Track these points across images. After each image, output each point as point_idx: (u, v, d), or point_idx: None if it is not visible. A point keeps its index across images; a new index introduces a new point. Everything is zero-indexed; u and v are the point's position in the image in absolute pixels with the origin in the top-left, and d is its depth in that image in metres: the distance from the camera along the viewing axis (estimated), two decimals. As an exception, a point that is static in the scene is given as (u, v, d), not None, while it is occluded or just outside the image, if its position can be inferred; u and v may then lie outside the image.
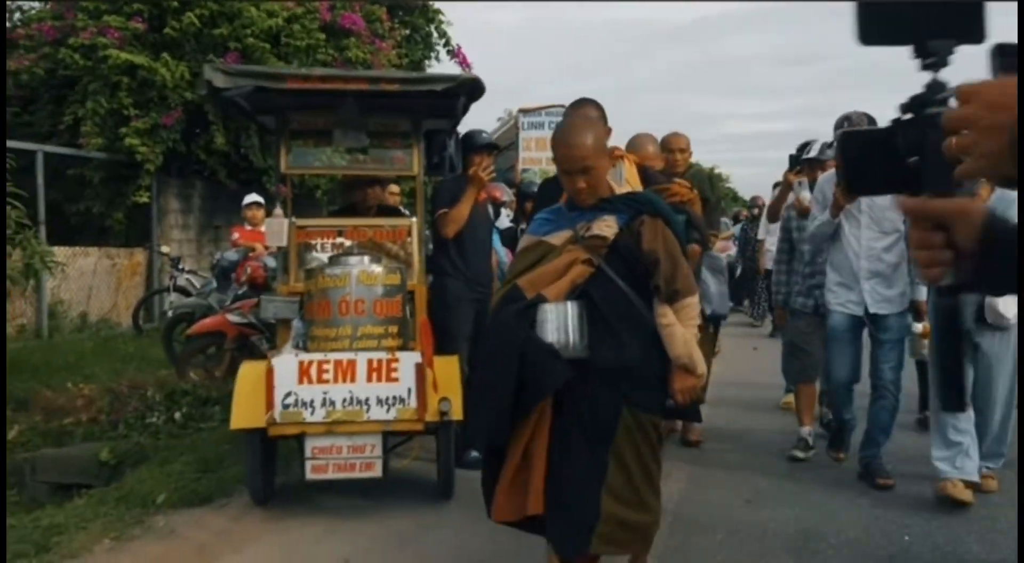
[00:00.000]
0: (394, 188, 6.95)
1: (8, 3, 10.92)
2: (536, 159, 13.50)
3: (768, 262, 8.23)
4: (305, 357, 4.36)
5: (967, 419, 4.43)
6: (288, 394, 4.28)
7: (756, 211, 13.91)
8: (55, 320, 9.55)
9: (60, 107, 10.59)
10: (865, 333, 5.02)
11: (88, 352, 8.46)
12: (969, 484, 4.41)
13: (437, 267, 5.42)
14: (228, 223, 11.29)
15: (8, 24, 10.98)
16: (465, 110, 5.13)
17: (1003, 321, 4.35)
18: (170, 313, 8.99)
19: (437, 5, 13.49)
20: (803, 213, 5.49)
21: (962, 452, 4.40)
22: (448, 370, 4.50)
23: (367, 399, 4.32)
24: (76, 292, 10.09)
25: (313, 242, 5.24)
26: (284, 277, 5.08)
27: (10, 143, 8.41)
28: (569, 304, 2.85)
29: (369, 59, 11.49)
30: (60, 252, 8.95)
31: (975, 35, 1.17)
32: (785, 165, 6.23)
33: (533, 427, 2.85)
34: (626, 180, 3.97)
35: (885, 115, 1.24)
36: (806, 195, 5.57)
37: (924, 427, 5.74)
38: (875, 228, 4.81)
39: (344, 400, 4.30)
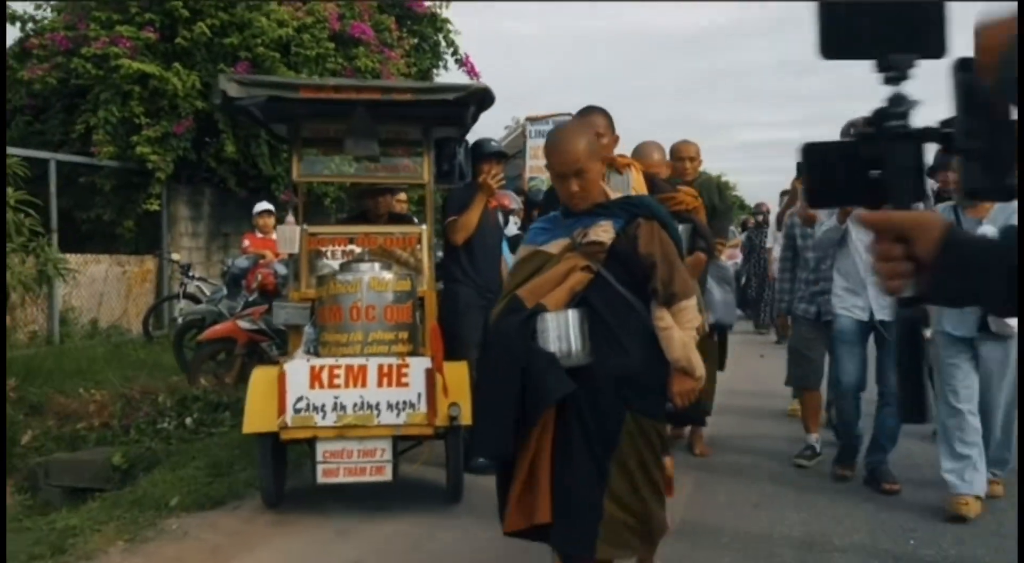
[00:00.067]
0: (401, 196, 7.02)
1: (22, 13, 11.03)
2: (543, 167, 13.51)
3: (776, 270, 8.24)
4: (317, 362, 4.42)
5: (974, 431, 4.43)
6: (300, 398, 4.34)
7: (761, 218, 13.94)
8: (67, 327, 9.64)
9: (72, 116, 10.69)
10: (871, 340, 5.05)
11: (99, 358, 8.53)
12: (979, 497, 4.42)
13: (448, 274, 5.48)
14: (237, 231, 11.39)
15: (21, 34, 11.12)
16: (475, 119, 5.19)
17: (1006, 330, 4.37)
18: (180, 320, 9.07)
19: (445, 14, 13.61)
20: (809, 221, 5.49)
21: (971, 465, 4.39)
22: (458, 375, 4.54)
23: (378, 404, 4.38)
24: (87, 299, 10.18)
25: (324, 249, 5.29)
26: (296, 283, 5.14)
27: (23, 151, 8.51)
28: (569, 312, 2.85)
29: (378, 68, 11.59)
30: (71, 259, 9.03)
31: (936, 50, 1.19)
32: (793, 173, 6.26)
33: (538, 437, 2.86)
34: (633, 188, 4.01)
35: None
36: None
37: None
38: None
39: (355, 405, 4.36)
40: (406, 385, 4.40)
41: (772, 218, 11.13)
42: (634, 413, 2.87)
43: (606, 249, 2.91)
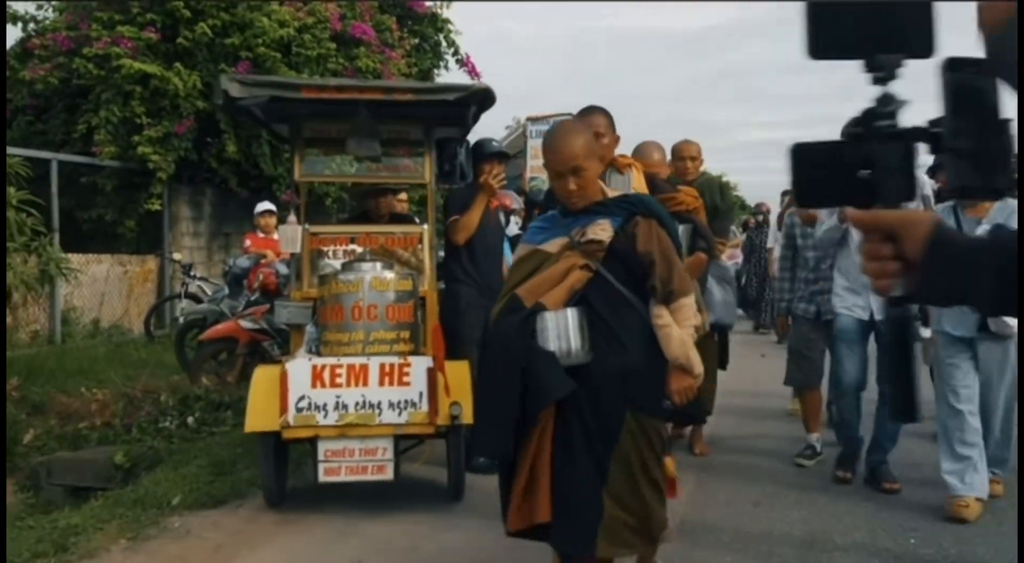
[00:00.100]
0: (402, 196, 7.04)
1: (24, 13, 11.05)
2: (544, 167, 13.52)
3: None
4: (318, 361, 4.44)
5: (975, 432, 4.42)
6: (302, 398, 4.36)
7: (761, 218, 13.94)
8: (68, 326, 9.66)
9: (74, 116, 10.72)
10: (872, 340, 5.06)
11: (101, 358, 8.55)
12: (979, 499, 4.42)
13: (449, 274, 5.50)
14: (239, 231, 11.41)
15: (23, 34, 11.14)
16: (476, 119, 5.20)
17: (1006, 330, 4.37)
18: (182, 319, 9.08)
19: (446, 15, 13.63)
20: (809, 220, 5.49)
21: (971, 466, 4.39)
22: (459, 374, 4.56)
23: (379, 403, 4.39)
24: (89, 299, 10.19)
25: (326, 249, 5.31)
26: (297, 283, 5.16)
27: (25, 151, 8.54)
28: (569, 311, 2.85)
29: (379, 68, 11.61)
30: (73, 259, 9.05)
31: (924, 49, 1.19)
32: None
33: (538, 436, 2.86)
34: (634, 188, 4.01)
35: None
36: None
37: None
38: None
39: (357, 404, 4.38)
40: (408, 384, 4.42)
41: (772, 218, 11.14)
42: (634, 411, 2.87)
43: (605, 247, 2.91)
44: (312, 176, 5.55)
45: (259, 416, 4.39)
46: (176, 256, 10.84)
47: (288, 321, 4.97)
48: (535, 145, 14.18)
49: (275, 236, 8.40)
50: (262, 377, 4.50)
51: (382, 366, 4.42)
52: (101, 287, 10.35)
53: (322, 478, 4.41)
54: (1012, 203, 4.20)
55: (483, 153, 5.51)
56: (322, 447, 4.38)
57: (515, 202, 8.21)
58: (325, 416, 4.35)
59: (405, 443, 4.76)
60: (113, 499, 4.68)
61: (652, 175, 4.60)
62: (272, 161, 11.11)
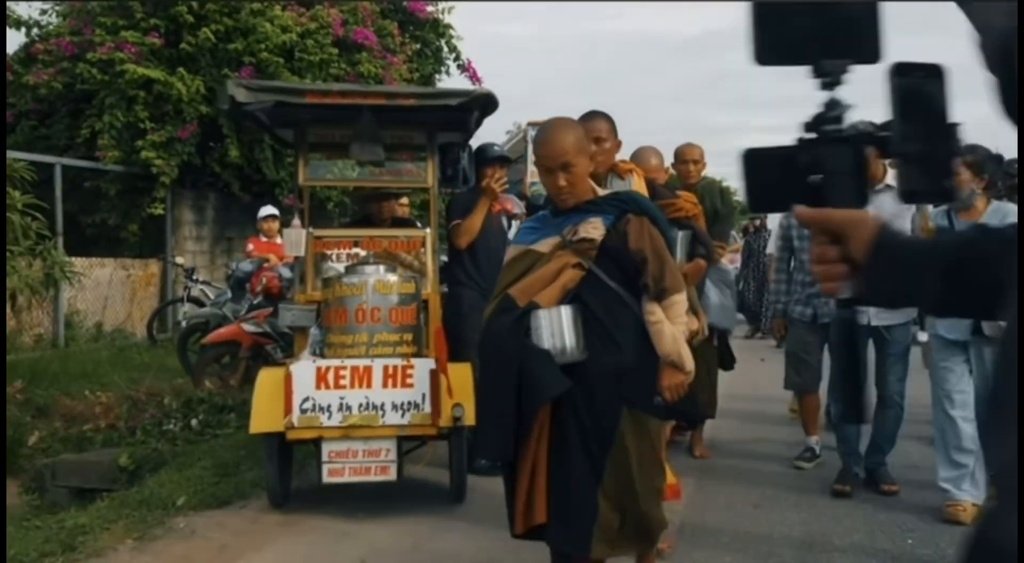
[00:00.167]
0: (403, 200, 7.09)
1: (28, 18, 11.11)
2: (544, 171, 13.57)
3: None
4: (322, 363, 4.48)
5: (970, 439, 4.40)
6: (306, 399, 4.40)
7: (759, 222, 13.97)
8: (72, 330, 9.70)
9: (77, 121, 10.77)
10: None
11: (104, 361, 8.59)
12: (976, 504, 4.43)
13: (452, 277, 5.55)
14: (241, 235, 11.45)
15: (27, 39, 11.20)
16: (478, 124, 5.26)
17: (1000, 332, 4.39)
18: (184, 323, 9.13)
19: (448, 20, 13.69)
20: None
21: (967, 474, 4.39)
22: (462, 377, 4.60)
23: (383, 404, 4.44)
24: (92, 302, 10.25)
25: (329, 252, 5.36)
26: (301, 286, 5.21)
27: (29, 156, 8.58)
28: (562, 309, 2.85)
29: (381, 73, 11.66)
30: (77, 263, 9.09)
31: (870, 55, 1.19)
32: None
33: (536, 436, 2.87)
34: (635, 193, 4.04)
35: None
36: None
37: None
38: None
39: (360, 405, 4.42)
40: (411, 386, 4.46)
41: (772, 223, 11.15)
42: (631, 408, 2.87)
43: (597, 246, 2.91)
44: (316, 180, 5.60)
45: (264, 417, 4.43)
46: (179, 260, 10.89)
47: (292, 324, 5.02)
48: (536, 150, 14.25)
49: (278, 240, 8.47)
50: (266, 379, 4.54)
51: (385, 368, 4.47)
52: (104, 291, 10.40)
53: (326, 479, 4.46)
54: (1007, 206, 4.24)
55: (485, 157, 5.55)
56: (326, 448, 4.43)
57: (516, 206, 8.26)
58: (329, 417, 4.40)
59: (408, 445, 4.81)
60: (119, 500, 4.73)
61: (651, 181, 4.64)
62: (275, 166, 11.16)
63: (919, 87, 1.10)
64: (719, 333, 5.86)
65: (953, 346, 4.48)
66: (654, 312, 2.91)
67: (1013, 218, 4.18)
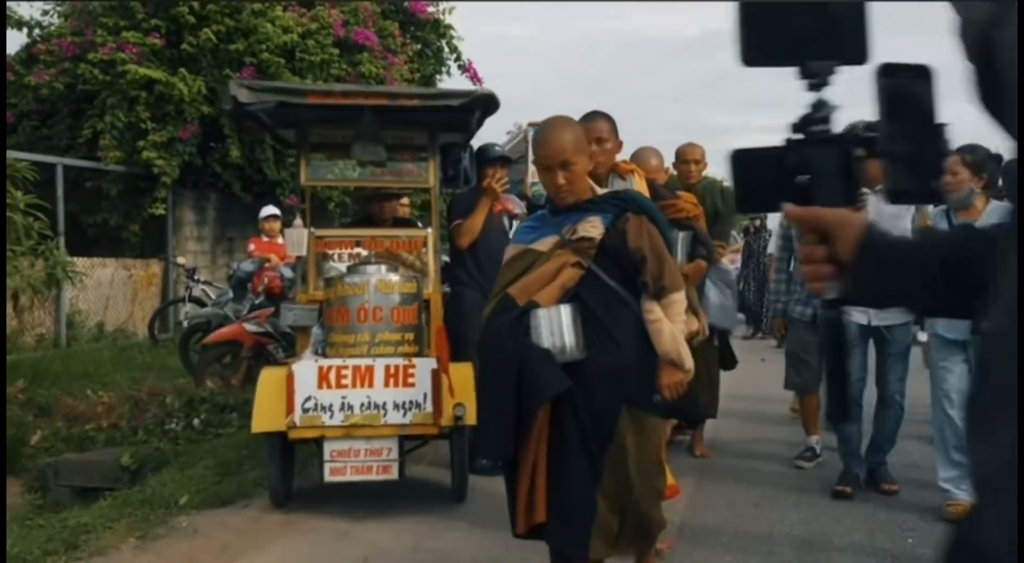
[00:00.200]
0: (404, 200, 7.11)
1: (29, 19, 11.13)
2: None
3: None
4: (324, 362, 4.50)
5: None
6: (308, 398, 4.42)
7: (759, 222, 13.99)
8: (73, 330, 9.72)
9: (79, 121, 10.79)
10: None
11: (106, 361, 8.61)
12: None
13: (454, 277, 5.56)
14: (242, 235, 11.48)
15: (28, 39, 11.22)
16: (480, 124, 5.27)
17: None
18: (186, 323, 9.15)
19: (448, 21, 13.72)
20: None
21: (966, 473, 4.40)
22: (463, 376, 4.61)
23: (384, 403, 4.45)
24: (93, 302, 10.26)
25: (331, 252, 5.38)
26: (303, 286, 5.22)
27: (30, 156, 8.60)
28: (562, 308, 2.84)
29: (382, 74, 11.68)
30: (78, 263, 9.11)
31: (857, 56, 1.19)
32: None
33: (536, 436, 2.87)
34: (637, 194, 4.05)
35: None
36: None
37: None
38: None
39: (362, 404, 4.44)
40: (412, 385, 4.48)
41: (772, 224, 11.16)
42: (630, 407, 2.87)
43: (596, 245, 2.91)
44: (317, 180, 5.62)
45: (266, 417, 4.45)
46: (180, 260, 10.91)
47: (294, 323, 5.04)
48: (536, 150, 14.26)
49: (279, 240, 8.49)
50: (269, 378, 4.56)
51: (387, 367, 4.48)
52: (106, 291, 10.42)
53: (328, 478, 4.47)
54: (1006, 205, 4.24)
55: (486, 157, 5.57)
56: (328, 447, 4.44)
57: (518, 206, 8.27)
58: (331, 417, 4.41)
59: (409, 444, 4.82)
60: (121, 499, 4.74)
61: (652, 181, 4.65)
62: (275, 166, 11.19)
63: (906, 88, 1.10)
64: (720, 333, 5.87)
65: (952, 346, 4.49)
66: (653, 311, 2.91)
67: (1010, 218, 4.17)
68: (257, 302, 7.56)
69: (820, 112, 1.22)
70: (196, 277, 10.19)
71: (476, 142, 5.73)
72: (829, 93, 1.22)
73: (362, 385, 4.45)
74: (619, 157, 4.18)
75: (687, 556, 3.95)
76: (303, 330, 5.01)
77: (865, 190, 3.97)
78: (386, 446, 4.47)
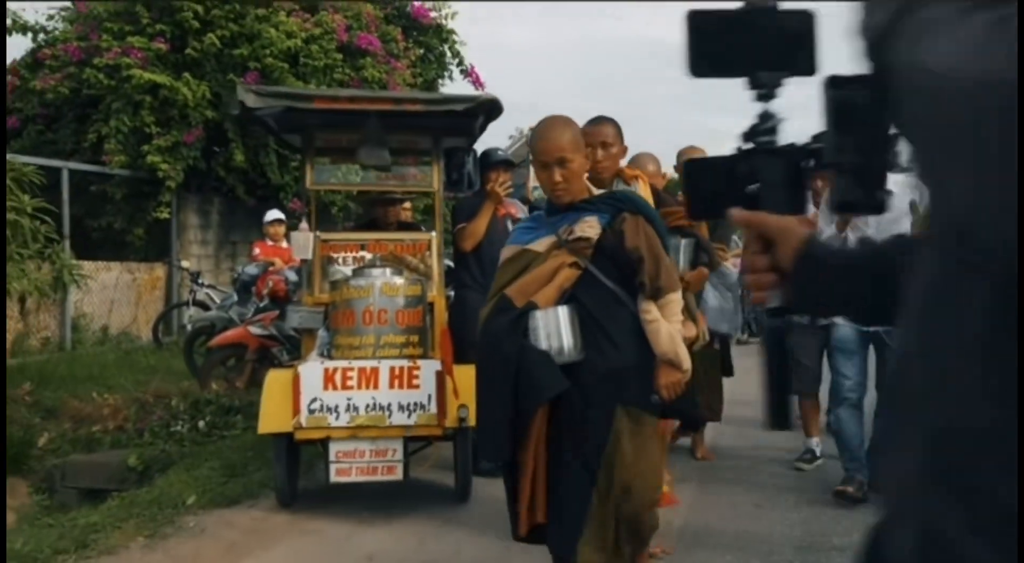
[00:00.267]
0: (406, 204, 7.17)
1: (34, 24, 11.21)
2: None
3: None
4: (330, 364, 4.55)
5: None
6: (314, 400, 4.47)
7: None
8: (78, 333, 9.78)
9: (84, 125, 10.86)
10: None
11: (111, 364, 8.66)
12: None
13: (458, 281, 5.61)
14: (246, 239, 11.54)
15: (34, 44, 11.30)
16: (483, 129, 5.32)
17: None
18: (191, 326, 9.20)
19: (451, 26, 13.79)
20: (807, 228, 5.53)
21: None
22: (467, 378, 4.60)
23: (389, 405, 4.50)
24: (98, 306, 10.32)
25: (336, 255, 5.43)
26: (309, 288, 5.28)
27: (36, 160, 8.65)
28: (559, 309, 2.85)
29: (384, 78, 11.75)
30: (83, 266, 9.17)
31: (805, 68, 1.20)
32: None
33: (535, 437, 2.88)
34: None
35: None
36: (811, 210, 5.67)
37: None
38: None
39: (367, 406, 4.48)
40: (417, 387, 4.52)
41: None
42: (627, 407, 2.88)
43: (593, 245, 2.92)
44: (322, 184, 5.67)
45: (272, 418, 4.50)
46: (184, 264, 10.96)
47: (300, 325, 5.09)
48: (538, 154, 14.29)
49: (284, 244, 8.54)
50: (275, 380, 4.60)
51: (392, 369, 4.53)
52: (110, 294, 10.47)
53: (333, 479, 4.52)
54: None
55: (489, 161, 5.61)
56: (333, 448, 4.49)
57: (520, 211, 8.31)
58: (337, 418, 4.46)
59: (413, 446, 4.87)
60: (129, 499, 4.79)
61: (655, 187, 4.68)
62: (279, 170, 11.25)
63: (853, 99, 1.08)
64: (720, 338, 5.90)
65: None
66: (650, 311, 2.92)
67: None
68: (261, 305, 7.61)
69: (767, 123, 1.23)
70: (200, 281, 10.24)
71: (479, 146, 5.78)
72: (776, 104, 1.23)
73: (367, 387, 4.50)
74: (623, 162, 4.22)
75: (688, 556, 3.98)
76: (309, 332, 5.06)
77: None
78: (391, 447, 4.52)
